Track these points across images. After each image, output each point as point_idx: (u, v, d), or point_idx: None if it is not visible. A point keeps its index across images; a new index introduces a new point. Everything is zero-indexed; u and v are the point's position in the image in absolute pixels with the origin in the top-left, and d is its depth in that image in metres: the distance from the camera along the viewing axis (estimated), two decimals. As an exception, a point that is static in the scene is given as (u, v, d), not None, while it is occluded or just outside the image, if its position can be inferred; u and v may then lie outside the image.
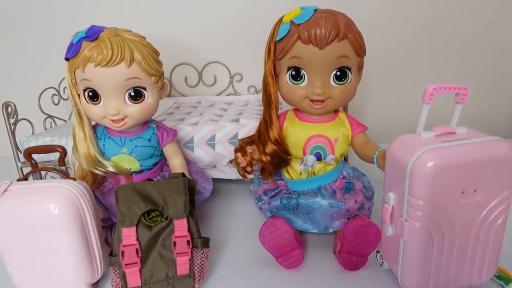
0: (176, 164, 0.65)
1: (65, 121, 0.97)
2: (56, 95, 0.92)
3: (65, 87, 0.96)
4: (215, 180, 0.74)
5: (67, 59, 0.56)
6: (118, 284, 0.49)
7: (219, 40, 1.05)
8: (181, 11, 1.03)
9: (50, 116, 0.90)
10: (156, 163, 0.64)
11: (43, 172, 0.75)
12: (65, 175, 0.51)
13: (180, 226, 0.49)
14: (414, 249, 0.44)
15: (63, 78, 0.94)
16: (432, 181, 0.41)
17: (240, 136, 0.72)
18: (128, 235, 0.48)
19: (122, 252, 0.47)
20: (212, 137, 0.73)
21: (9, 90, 1.08)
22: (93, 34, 0.53)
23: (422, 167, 0.41)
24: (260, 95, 1.04)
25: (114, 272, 0.49)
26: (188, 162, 0.69)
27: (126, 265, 0.47)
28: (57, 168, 0.51)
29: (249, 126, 0.73)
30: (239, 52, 1.06)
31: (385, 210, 0.47)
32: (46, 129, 0.89)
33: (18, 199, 0.46)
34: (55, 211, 0.46)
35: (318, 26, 0.50)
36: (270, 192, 0.62)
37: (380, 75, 1.04)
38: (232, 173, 0.76)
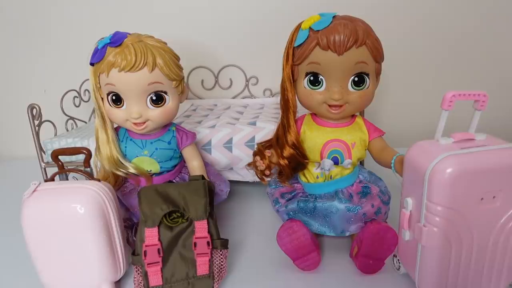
0: (194, 166, 0.66)
1: (85, 122, 0.99)
2: (77, 97, 0.95)
3: (85, 90, 0.99)
4: (231, 182, 0.75)
5: (92, 64, 0.58)
6: (140, 282, 0.50)
7: (235, 43, 1.07)
8: (199, 16, 1.04)
9: (71, 118, 0.93)
10: (176, 165, 0.66)
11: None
12: (90, 176, 0.53)
13: (201, 227, 0.50)
14: (432, 254, 0.44)
15: (84, 81, 0.98)
16: (451, 187, 0.41)
17: (257, 140, 0.73)
18: (151, 235, 0.49)
19: (145, 252, 0.49)
20: (229, 140, 0.74)
21: (31, 92, 1.12)
22: (117, 40, 0.55)
23: (441, 173, 0.41)
24: (275, 98, 1.06)
25: (136, 271, 0.51)
26: (206, 164, 0.70)
27: (148, 264, 0.49)
28: (83, 169, 0.53)
29: (265, 130, 0.74)
30: (254, 56, 1.07)
31: (403, 215, 0.47)
32: (67, 130, 0.92)
33: (46, 199, 0.48)
34: (81, 211, 0.48)
35: (337, 33, 0.50)
36: (286, 195, 0.63)
37: (394, 80, 1.04)
38: (248, 176, 0.77)
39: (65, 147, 0.63)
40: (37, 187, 0.49)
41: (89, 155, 0.53)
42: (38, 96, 1.09)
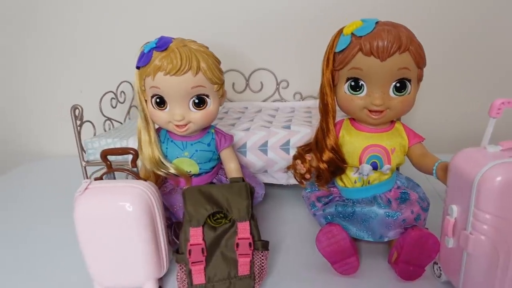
0: (232, 168, 0.67)
1: (121, 123, 1.02)
2: (114, 98, 0.98)
3: (121, 91, 1.02)
4: (265, 184, 0.76)
5: (137, 67, 0.60)
6: (184, 280, 0.52)
7: (266, 47, 1.08)
8: (230, 20, 1.06)
9: (109, 119, 0.96)
10: (214, 167, 0.67)
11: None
12: (137, 175, 0.55)
13: (243, 229, 0.51)
14: (478, 263, 0.44)
15: (121, 83, 1.01)
16: (500, 195, 0.41)
17: (292, 143, 0.74)
18: (195, 235, 0.51)
19: (190, 251, 0.50)
20: (264, 143, 0.75)
21: (68, 92, 1.16)
22: (163, 44, 0.57)
23: (490, 182, 0.41)
24: (305, 102, 1.07)
25: (180, 269, 0.52)
26: (241, 166, 0.72)
27: (192, 263, 0.50)
28: (129, 169, 0.55)
29: (301, 133, 0.75)
30: (285, 59, 1.08)
31: (447, 222, 0.47)
32: (105, 130, 0.95)
33: (97, 196, 0.51)
34: (130, 209, 0.50)
35: (380, 39, 0.51)
36: (323, 199, 0.63)
37: (430, 86, 1.03)
38: (283, 179, 0.78)
39: (110, 147, 0.65)
40: (88, 185, 0.51)
41: (136, 155, 0.55)
42: (75, 96, 1.13)
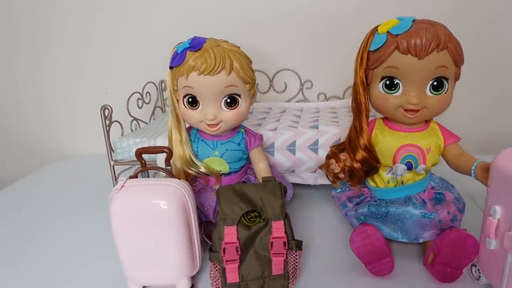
0: (261, 167, 0.67)
1: (146, 123, 1.04)
2: (140, 99, 0.99)
3: (147, 92, 1.03)
4: (292, 184, 0.76)
5: (171, 67, 0.61)
6: (218, 278, 0.52)
7: (290, 47, 1.07)
8: (254, 21, 1.06)
9: (135, 119, 0.97)
10: (243, 166, 0.68)
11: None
12: (171, 174, 0.55)
13: (278, 228, 0.51)
14: (524, 265, 0.43)
15: (146, 83, 1.03)
16: (549, 196, 0.40)
17: (321, 143, 0.74)
18: (230, 233, 0.51)
19: (224, 249, 0.50)
20: (292, 143, 0.75)
21: (94, 93, 1.18)
22: (196, 44, 0.58)
23: (538, 181, 0.40)
24: (329, 103, 1.06)
25: (214, 267, 0.52)
26: (270, 166, 0.72)
27: (226, 261, 0.50)
28: (164, 167, 0.55)
29: (329, 133, 0.74)
30: (310, 60, 1.08)
31: (489, 223, 0.46)
32: (132, 130, 0.96)
33: (133, 194, 0.51)
34: (165, 207, 0.50)
35: (419, 37, 0.50)
36: (354, 199, 0.63)
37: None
38: (310, 179, 0.78)
39: (139, 147, 0.65)
40: (124, 182, 0.52)
41: (170, 153, 0.55)
42: (100, 98, 1.14)
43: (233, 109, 0.61)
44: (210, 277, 0.53)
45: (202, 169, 0.63)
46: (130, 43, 1.13)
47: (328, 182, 0.63)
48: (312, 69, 1.08)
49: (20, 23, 1.14)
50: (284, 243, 0.51)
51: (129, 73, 1.15)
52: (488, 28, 1.00)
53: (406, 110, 0.55)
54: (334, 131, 0.75)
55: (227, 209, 0.51)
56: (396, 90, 0.55)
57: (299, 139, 0.75)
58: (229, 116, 0.61)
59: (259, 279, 0.51)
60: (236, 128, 0.66)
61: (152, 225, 0.51)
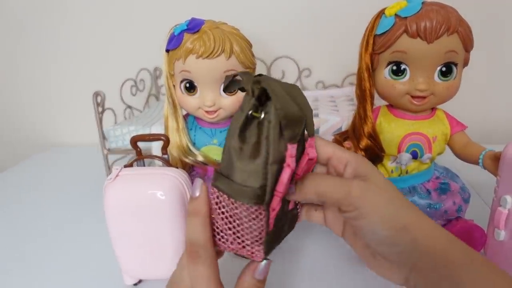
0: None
1: (140, 111, 1.01)
2: (134, 86, 0.96)
3: (141, 79, 1.00)
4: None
5: (167, 50, 0.57)
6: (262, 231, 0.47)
7: (288, 35, 1.05)
8: (250, 7, 1.03)
9: (129, 107, 0.94)
10: (242, 155, 0.65)
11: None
12: (168, 163, 0.53)
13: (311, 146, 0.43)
14: (536, 257, 0.42)
15: (140, 70, 0.99)
16: None
17: (322, 131, 0.72)
18: (291, 154, 0.46)
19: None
20: (292, 131, 0.72)
21: (86, 80, 1.15)
22: (195, 26, 0.55)
23: (554, 170, 0.38)
24: (328, 91, 1.04)
25: (256, 213, 0.48)
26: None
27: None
28: (160, 156, 0.53)
29: (330, 122, 0.72)
30: (307, 47, 1.05)
31: (499, 213, 0.45)
32: (125, 118, 0.93)
33: (128, 184, 0.48)
34: (163, 197, 0.48)
35: (429, 19, 0.48)
36: (357, 189, 0.61)
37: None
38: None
39: (141, 133, 0.63)
40: (119, 172, 0.49)
41: (167, 141, 0.53)
42: (93, 84, 1.11)
43: (232, 95, 0.58)
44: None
45: (200, 158, 0.61)
46: (123, 29, 1.09)
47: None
48: (310, 57, 1.05)
49: (10, 9, 1.09)
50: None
51: (122, 59, 1.11)
52: (496, 13, 0.98)
53: (413, 96, 0.53)
54: (335, 119, 0.73)
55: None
56: (403, 76, 0.52)
57: (299, 127, 0.72)
58: (228, 102, 0.58)
59: None
60: (234, 116, 0.64)
61: (149, 216, 0.48)
